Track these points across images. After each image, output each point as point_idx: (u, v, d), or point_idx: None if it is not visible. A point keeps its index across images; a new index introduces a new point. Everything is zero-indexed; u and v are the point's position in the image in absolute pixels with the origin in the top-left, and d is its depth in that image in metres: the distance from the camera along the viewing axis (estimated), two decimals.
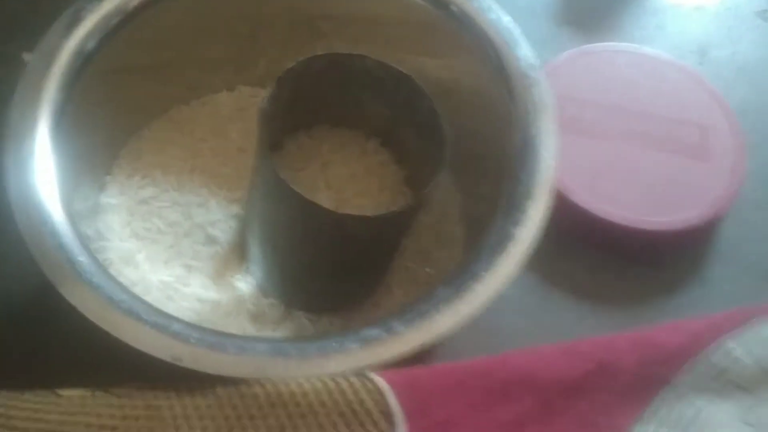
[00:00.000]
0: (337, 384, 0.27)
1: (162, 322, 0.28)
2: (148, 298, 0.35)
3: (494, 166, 0.37)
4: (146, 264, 0.38)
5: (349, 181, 0.38)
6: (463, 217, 0.42)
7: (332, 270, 0.35)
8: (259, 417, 0.27)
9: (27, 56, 0.49)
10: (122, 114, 0.41)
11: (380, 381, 0.27)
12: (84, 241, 0.31)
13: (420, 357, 0.30)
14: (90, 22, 0.36)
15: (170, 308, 0.36)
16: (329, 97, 0.37)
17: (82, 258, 0.30)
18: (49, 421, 0.26)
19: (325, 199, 0.36)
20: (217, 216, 0.40)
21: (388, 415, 0.27)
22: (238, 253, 0.39)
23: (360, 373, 0.28)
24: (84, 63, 0.36)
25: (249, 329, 0.37)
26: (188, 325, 0.29)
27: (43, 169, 0.32)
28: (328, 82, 0.36)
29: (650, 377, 0.29)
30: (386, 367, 0.28)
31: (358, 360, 0.28)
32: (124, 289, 0.29)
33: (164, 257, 0.38)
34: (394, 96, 0.36)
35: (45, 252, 0.29)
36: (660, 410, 0.29)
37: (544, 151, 0.34)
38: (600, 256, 0.43)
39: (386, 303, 0.39)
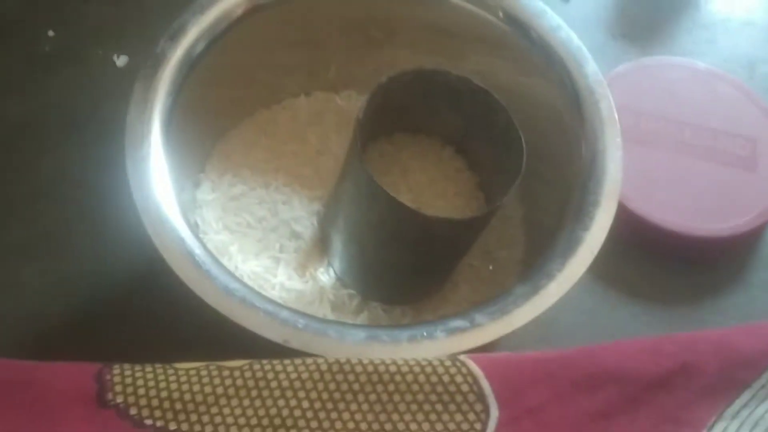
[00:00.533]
0: (433, 366, 0.30)
1: (272, 309, 0.32)
2: None
3: (559, 176, 0.40)
4: (239, 255, 0.41)
5: (428, 186, 0.42)
6: (524, 222, 0.45)
7: (411, 266, 0.39)
8: (361, 392, 0.29)
9: (117, 58, 0.53)
10: (214, 116, 0.45)
11: (473, 366, 0.30)
12: (198, 235, 0.34)
13: (491, 344, 0.33)
14: (194, 33, 0.40)
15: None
16: (411, 107, 0.40)
17: (198, 251, 0.33)
18: (170, 390, 0.29)
19: (406, 202, 0.39)
20: (300, 213, 0.43)
21: (481, 397, 0.29)
22: (320, 247, 0.43)
23: (453, 357, 0.30)
24: (188, 71, 0.39)
25: (330, 317, 0.41)
26: (294, 312, 0.32)
27: (159, 170, 0.35)
28: (411, 94, 0.39)
29: (731, 380, 0.31)
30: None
31: (444, 347, 0.31)
32: (237, 278, 0.33)
33: (254, 250, 0.42)
34: (472, 108, 0.39)
35: (168, 247, 0.33)
36: (741, 411, 0.30)
37: (611, 163, 0.37)
38: (652, 259, 0.46)
39: (453, 297, 0.42)
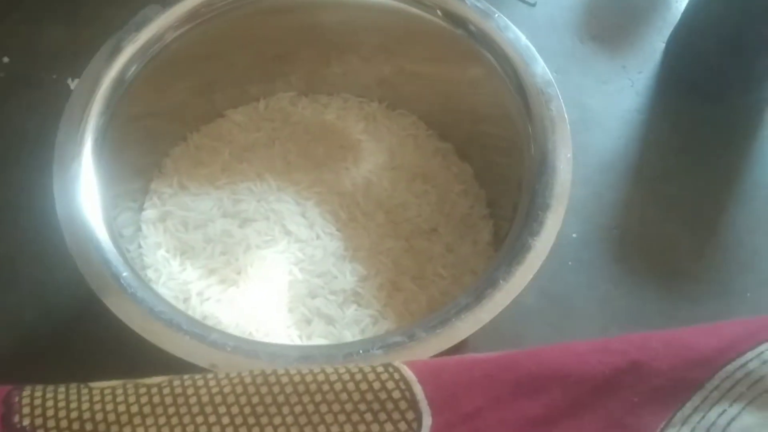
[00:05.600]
0: (364, 373, 0.28)
1: (200, 332, 0.30)
2: (188, 305, 0.37)
3: (515, 179, 0.39)
4: (182, 275, 0.40)
5: None
6: (495, 238, 0.44)
7: None
8: (286, 405, 0.27)
9: (71, 82, 0.52)
10: (160, 132, 0.44)
11: (406, 370, 0.28)
12: (126, 257, 0.33)
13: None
14: (129, 51, 0.39)
15: (207, 313, 0.38)
16: None
17: (125, 273, 0.32)
18: (81, 411, 0.27)
19: None
20: (250, 230, 0.42)
21: (413, 404, 0.27)
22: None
23: (386, 363, 0.28)
24: (124, 89, 0.38)
25: (281, 333, 0.39)
26: (224, 334, 0.31)
27: (88, 190, 0.34)
28: None
29: (683, 380, 0.28)
30: None
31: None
32: (164, 301, 0.31)
33: (201, 269, 0.40)
34: None
35: (91, 268, 0.32)
36: (692, 415, 0.28)
37: (560, 164, 0.35)
38: (626, 270, 0.45)
39: (414, 308, 0.41)
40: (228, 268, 0.40)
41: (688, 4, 0.52)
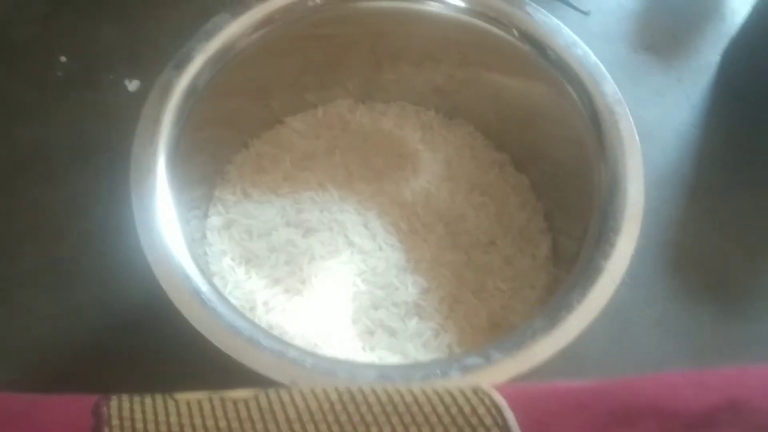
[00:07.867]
0: (453, 396, 0.28)
1: (280, 348, 0.31)
2: (254, 314, 0.38)
3: (581, 202, 0.39)
4: (248, 284, 0.40)
5: None
6: (552, 254, 0.44)
7: None
8: (374, 424, 0.27)
9: (129, 83, 0.52)
10: (224, 141, 0.45)
11: (497, 396, 0.28)
12: (204, 270, 0.33)
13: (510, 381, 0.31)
14: (200, 60, 0.39)
15: (273, 323, 0.39)
16: None
17: (204, 288, 0.32)
18: (169, 424, 0.27)
19: None
20: (314, 240, 0.42)
21: (506, 430, 0.27)
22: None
23: (475, 387, 0.28)
24: (195, 99, 0.39)
25: (345, 345, 0.39)
26: (303, 351, 0.31)
27: (164, 204, 0.35)
28: None
29: None
30: None
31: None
32: (243, 316, 0.32)
33: (264, 276, 0.41)
34: None
35: (173, 285, 0.32)
36: None
37: (632, 186, 0.35)
38: (678, 285, 0.45)
39: (475, 322, 0.41)
40: (293, 278, 0.41)
41: (748, 18, 0.51)
